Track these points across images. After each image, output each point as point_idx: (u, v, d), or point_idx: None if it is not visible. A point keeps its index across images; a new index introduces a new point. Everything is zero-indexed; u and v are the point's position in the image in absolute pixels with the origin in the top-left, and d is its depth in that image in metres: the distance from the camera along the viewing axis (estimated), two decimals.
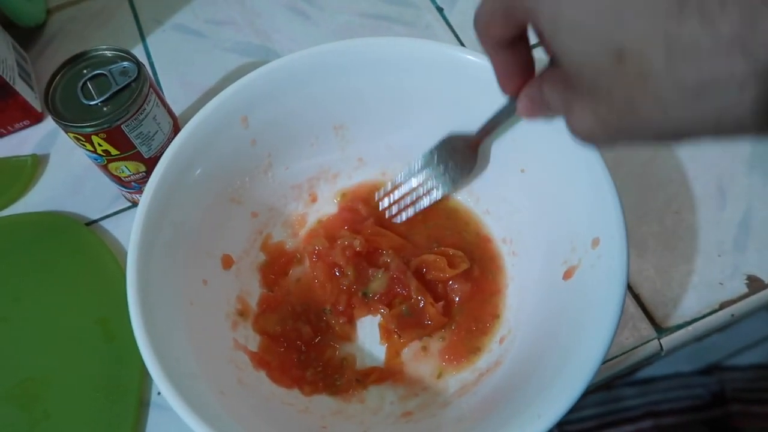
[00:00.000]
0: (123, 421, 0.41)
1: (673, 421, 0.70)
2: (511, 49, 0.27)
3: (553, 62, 0.27)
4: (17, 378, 0.43)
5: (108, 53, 0.43)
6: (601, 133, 0.22)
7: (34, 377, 0.43)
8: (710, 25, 0.17)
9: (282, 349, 0.40)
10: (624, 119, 0.20)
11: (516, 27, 0.25)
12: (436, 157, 0.43)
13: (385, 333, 0.42)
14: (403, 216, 0.45)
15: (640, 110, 0.19)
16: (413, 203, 0.44)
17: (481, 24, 0.26)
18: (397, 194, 0.44)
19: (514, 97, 0.30)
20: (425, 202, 0.44)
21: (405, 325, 0.41)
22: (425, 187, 0.43)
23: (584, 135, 0.23)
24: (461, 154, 0.42)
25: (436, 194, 0.44)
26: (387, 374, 0.40)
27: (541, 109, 0.28)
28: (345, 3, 0.60)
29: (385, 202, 0.45)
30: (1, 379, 0.43)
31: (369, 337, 0.42)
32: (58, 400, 0.42)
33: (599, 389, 0.72)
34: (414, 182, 0.44)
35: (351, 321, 0.42)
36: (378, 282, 0.42)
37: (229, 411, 0.33)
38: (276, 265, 0.44)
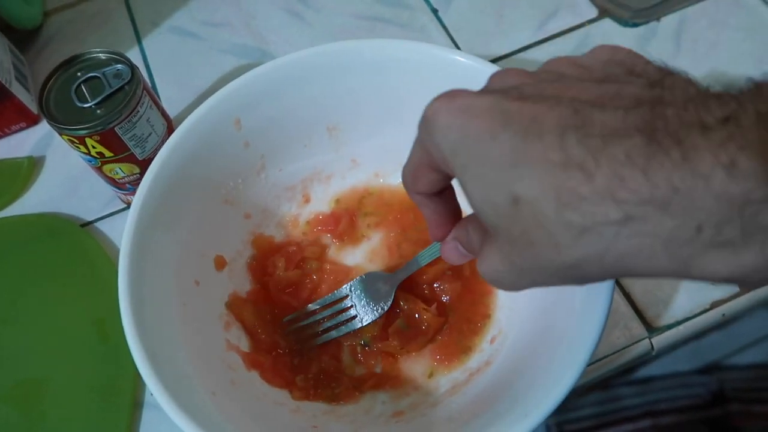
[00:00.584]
0: (117, 422, 0.41)
1: (672, 420, 0.70)
2: (438, 198, 0.29)
3: None
4: (13, 379, 0.44)
5: (102, 56, 0.44)
6: (507, 273, 0.24)
7: (30, 378, 0.44)
8: (589, 178, 0.19)
9: (273, 353, 0.41)
10: (525, 257, 0.22)
11: (441, 177, 0.27)
12: (351, 293, 0.42)
13: (388, 356, 0.41)
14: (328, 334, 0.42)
15: (538, 248, 0.21)
16: (332, 328, 0.42)
17: (409, 179, 0.28)
18: (309, 320, 0.43)
19: (438, 242, 0.32)
20: (335, 334, 0.42)
21: (407, 339, 0.41)
22: (334, 321, 0.42)
23: (491, 276, 0.25)
24: (377, 293, 0.42)
25: (349, 327, 0.42)
26: (384, 380, 0.40)
27: (466, 251, 0.30)
28: (340, 5, 0.60)
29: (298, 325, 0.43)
30: None
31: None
32: (54, 400, 0.43)
33: (598, 389, 0.72)
34: (327, 312, 0.42)
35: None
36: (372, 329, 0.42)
37: (221, 411, 0.34)
38: (265, 260, 0.45)
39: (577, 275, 0.22)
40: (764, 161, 0.17)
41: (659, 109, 0.20)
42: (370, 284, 0.42)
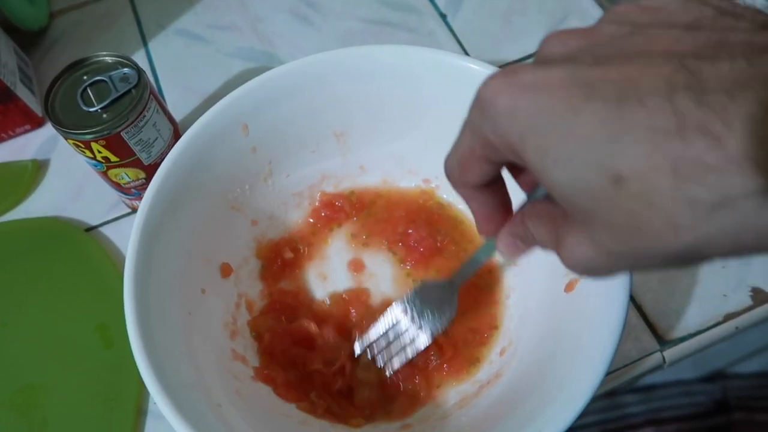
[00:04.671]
0: (121, 429, 0.41)
1: (675, 428, 0.70)
2: (488, 189, 0.26)
3: (531, 198, 0.27)
4: (16, 385, 0.43)
5: (108, 59, 0.43)
6: (602, 262, 0.21)
7: (33, 384, 0.43)
8: (716, 143, 0.17)
9: (283, 369, 0.40)
10: (628, 244, 0.19)
11: (495, 167, 0.24)
12: (410, 310, 0.40)
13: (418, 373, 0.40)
14: (391, 363, 0.40)
15: (647, 233, 0.18)
16: (397, 354, 0.40)
17: (456, 170, 0.25)
18: (376, 339, 0.40)
19: (492, 238, 0.29)
20: (408, 353, 0.40)
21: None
22: (405, 338, 0.39)
23: (582, 266, 0.22)
24: (438, 302, 0.39)
25: (415, 347, 0.39)
26: (394, 398, 0.40)
27: (526, 246, 0.27)
28: (348, 9, 0.60)
29: (364, 343, 0.41)
30: (0, 386, 0.43)
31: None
32: (57, 407, 0.42)
33: (602, 396, 0.72)
34: (391, 335, 0.40)
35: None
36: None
37: (226, 423, 0.33)
38: (274, 266, 0.44)
39: (692, 258, 0.19)
40: None
41: None
42: (427, 295, 0.40)
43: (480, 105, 0.21)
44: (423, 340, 0.39)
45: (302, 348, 0.41)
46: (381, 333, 0.40)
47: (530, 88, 0.20)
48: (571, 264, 0.22)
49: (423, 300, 0.40)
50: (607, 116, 0.18)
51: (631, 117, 0.18)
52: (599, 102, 0.18)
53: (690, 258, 0.19)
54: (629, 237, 0.19)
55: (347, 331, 0.42)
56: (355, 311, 0.43)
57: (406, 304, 0.40)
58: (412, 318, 0.40)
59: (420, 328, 0.39)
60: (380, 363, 0.40)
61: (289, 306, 0.43)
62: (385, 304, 0.42)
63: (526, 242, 0.27)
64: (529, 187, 0.28)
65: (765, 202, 0.17)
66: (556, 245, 0.23)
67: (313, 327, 0.41)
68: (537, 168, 0.20)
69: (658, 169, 0.17)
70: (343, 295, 0.44)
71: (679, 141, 0.17)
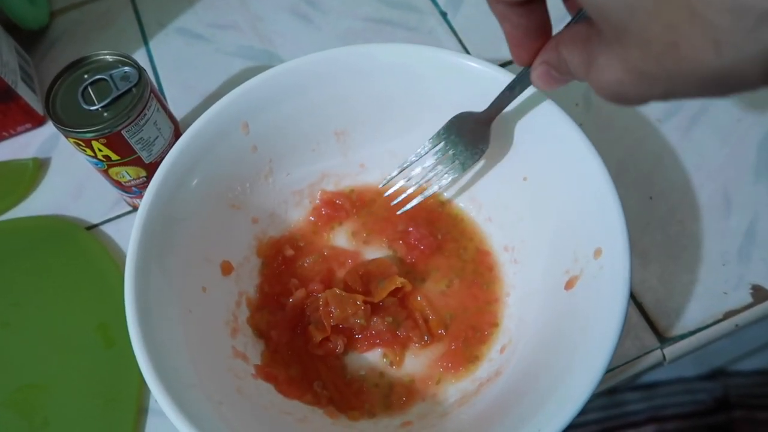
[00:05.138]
0: (122, 427, 0.41)
1: (676, 426, 0.70)
2: (525, 7, 0.24)
3: (571, 22, 0.25)
4: (16, 384, 0.43)
5: (109, 58, 0.43)
6: (633, 84, 0.19)
7: (34, 383, 0.43)
8: None
9: (286, 365, 0.40)
10: (663, 63, 0.17)
11: None
12: (444, 140, 0.40)
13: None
14: (411, 204, 0.42)
15: (685, 49, 0.17)
16: (421, 191, 0.42)
17: None
18: (403, 181, 0.42)
19: (527, 67, 0.27)
20: (434, 188, 0.41)
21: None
22: (434, 172, 0.41)
23: (612, 89, 0.20)
24: (472, 134, 0.39)
25: (446, 180, 0.41)
26: (395, 389, 0.40)
27: (560, 75, 0.25)
28: (348, 7, 0.60)
29: (392, 189, 0.43)
30: (1, 385, 0.43)
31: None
32: (58, 406, 0.42)
33: (602, 394, 0.72)
34: (420, 169, 0.41)
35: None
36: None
37: (226, 420, 0.33)
38: (275, 264, 0.44)
39: (731, 84, 0.17)
40: None
41: None
42: (462, 126, 0.39)
43: None
44: (456, 171, 0.40)
45: (303, 327, 0.41)
46: (415, 160, 0.41)
47: None
48: (600, 88, 0.20)
49: (458, 132, 0.40)
50: None
51: None
52: None
53: (730, 81, 0.17)
54: (665, 55, 0.17)
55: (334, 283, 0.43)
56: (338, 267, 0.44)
57: (442, 133, 0.40)
58: (445, 149, 0.40)
59: (449, 160, 0.40)
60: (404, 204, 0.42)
61: (280, 293, 0.43)
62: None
63: (560, 70, 0.25)
64: (576, 8, 0.25)
65: None
66: (586, 70, 0.21)
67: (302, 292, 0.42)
68: None
69: None
70: (324, 252, 0.45)
71: None
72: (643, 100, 0.20)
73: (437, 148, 0.40)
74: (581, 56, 0.22)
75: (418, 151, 0.41)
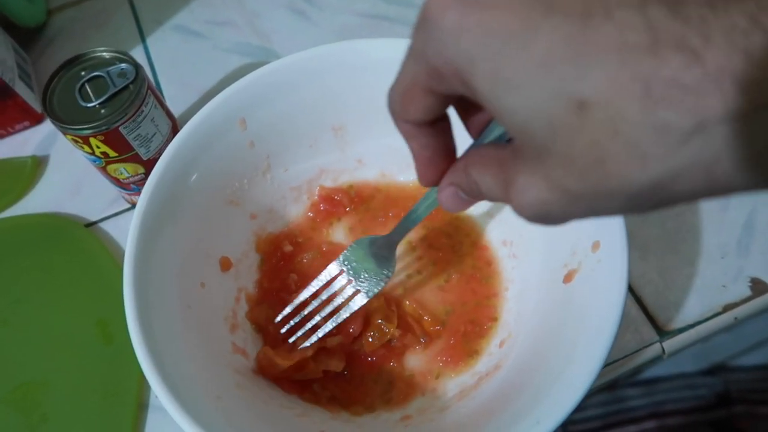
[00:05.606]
0: (122, 423, 0.41)
1: (677, 421, 0.70)
2: (431, 129, 0.23)
3: (476, 143, 0.25)
4: (16, 381, 0.43)
5: (106, 55, 0.43)
6: (557, 204, 0.18)
7: (33, 380, 0.43)
8: (693, 60, 0.15)
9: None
10: (588, 181, 0.17)
11: (440, 101, 0.22)
12: (347, 266, 0.38)
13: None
14: (317, 335, 0.39)
15: (611, 165, 0.16)
16: (330, 316, 0.38)
17: (397, 103, 0.22)
18: (305, 311, 0.39)
19: (434, 187, 0.26)
20: (343, 314, 0.38)
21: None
22: (340, 298, 0.38)
23: (535, 209, 0.19)
24: (376, 259, 0.38)
25: (353, 306, 0.38)
26: (394, 383, 0.40)
27: (469, 197, 0.24)
28: (345, 3, 0.60)
29: (291, 324, 0.39)
30: (0, 382, 0.43)
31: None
32: (57, 403, 0.42)
33: (603, 390, 0.72)
34: (325, 296, 0.38)
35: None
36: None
37: (226, 415, 0.33)
38: (274, 260, 0.44)
39: (658, 198, 0.17)
40: None
41: None
42: (363, 252, 0.38)
43: (424, 24, 0.19)
44: (359, 300, 0.38)
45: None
46: (311, 294, 0.38)
47: (481, 3, 0.17)
48: (521, 208, 0.20)
49: (360, 258, 0.38)
50: (569, 33, 0.16)
51: (597, 33, 0.16)
52: (560, 17, 0.16)
53: (656, 197, 0.17)
54: (590, 172, 0.17)
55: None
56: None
57: (342, 264, 0.38)
58: (349, 277, 0.38)
59: (357, 288, 0.38)
60: (310, 326, 0.39)
61: (279, 289, 0.43)
62: None
63: (469, 193, 0.24)
64: (479, 131, 0.25)
65: (743, 127, 0.15)
66: (504, 192, 0.21)
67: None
68: (487, 96, 0.18)
69: (627, 92, 0.15)
70: (323, 248, 0.44)
71: (652, 59, 0.15)
72: (567, 218, 0.19)
73: (340, 274, 0.38)
74: (496, 178, 0.22)
75: (319, 278, 0.39)
